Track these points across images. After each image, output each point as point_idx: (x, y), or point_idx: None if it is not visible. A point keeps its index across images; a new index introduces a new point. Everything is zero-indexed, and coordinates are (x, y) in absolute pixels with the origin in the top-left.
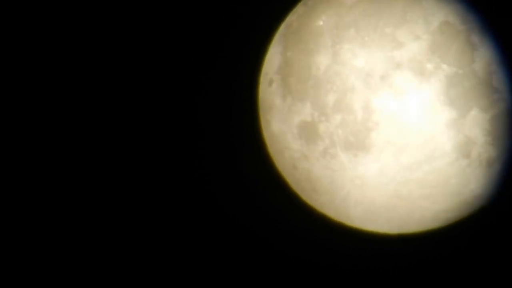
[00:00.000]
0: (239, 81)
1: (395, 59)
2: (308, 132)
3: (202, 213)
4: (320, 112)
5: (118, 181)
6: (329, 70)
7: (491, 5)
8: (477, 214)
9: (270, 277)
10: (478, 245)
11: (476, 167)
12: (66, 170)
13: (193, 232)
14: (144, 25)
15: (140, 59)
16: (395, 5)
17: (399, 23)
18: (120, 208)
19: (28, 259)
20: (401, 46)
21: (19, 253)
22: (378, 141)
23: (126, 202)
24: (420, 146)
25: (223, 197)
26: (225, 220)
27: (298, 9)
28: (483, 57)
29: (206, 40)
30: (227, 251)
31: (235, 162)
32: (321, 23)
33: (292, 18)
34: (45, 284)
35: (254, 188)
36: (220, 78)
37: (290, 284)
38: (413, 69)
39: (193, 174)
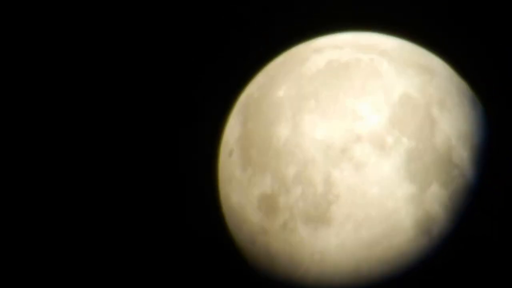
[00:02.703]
0: (199, 152)
1: (355, 132)
2: (268, 204)
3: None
4: (280, 184)
5: None
6: (290, 141)
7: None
8: None
9: None
10: None
11: (436, 244)
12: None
13: None
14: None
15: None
16: (355, 77)
17: (359, 95)
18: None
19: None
20: (361, 118)
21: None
22: (339, 215)
23: None
24: (380, 221)
25: (178, 272)
26: None
27: (259, 79)
28: (443, 132)
29: (168, 109)
30: None
31: (192, 236)
32: (281, 93)
33: (252, 88)
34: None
35: (211, 263)
36: (179, 148)
37: None
38: (373, 142)
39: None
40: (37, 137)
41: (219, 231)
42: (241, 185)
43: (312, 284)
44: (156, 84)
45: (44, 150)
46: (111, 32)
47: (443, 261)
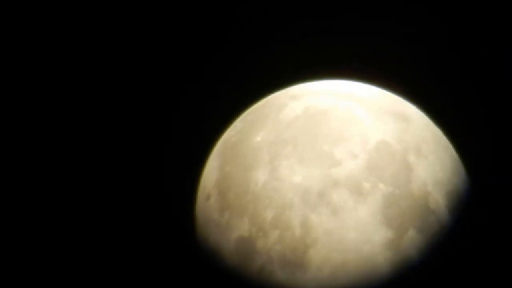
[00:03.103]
0: (176, 196)
1: (332, 177)
2: (245, 248)
3: None
4: (257, 227)
5: None
6: (267, 185)
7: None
8: None
9: None
10: None
11: None
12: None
13: None
14: None
15: None
16: (333, 124)
17: (336, 141)
18: None
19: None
20: (338, 164)
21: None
22: (316, 259)
23: None
24: (357, 266)
25: None
26: None
27: (237, 124)
28: (419, 178)
29: (143, 154)
30: None
31: (171, 279)
32: (259, 138)
33: (230, 133)
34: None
35: None
36: (156, 192)
37: None
38: (350, 187)
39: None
40: (29, 137)
41: (197, 275)
42: (219, 228)
43: None
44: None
45: (44, 150)
46: (106, 32)
47: None
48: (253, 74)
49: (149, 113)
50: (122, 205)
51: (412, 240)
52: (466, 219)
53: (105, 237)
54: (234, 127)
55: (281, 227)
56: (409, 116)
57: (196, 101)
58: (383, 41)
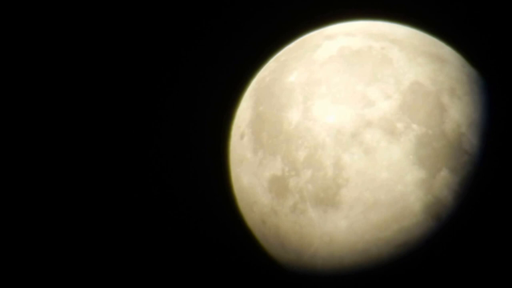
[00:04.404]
0: (211, 134)
1: (365, 117)
2: (278, 186)
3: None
4: (290, 167)
5: None
6: (300, 125)
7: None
8: (445, 276)
9: None
10: None
11: (445, 229)
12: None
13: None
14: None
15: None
16: (366, 64)
17: (370, 82)
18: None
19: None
20: (372, 104)
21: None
22: (348, 198)
23: None
24: (389, 205)
25: (191, 252)
26: (192, 275)
27: (270, 65)
28: (453, 119)
29: (178, 92)
30: None
31: (204, 215)
32: (293, 79)
33: (264, 73)
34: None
35: (222, 242)
36: (192, 130)
37: None
38: (383, 127)
39: (163, 229)
40: (29, 137)
41: (231, 211)
42: (252, 166)
43: (321, 265)
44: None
45: (47, 150)
46: (107, 25)
47: (451, 245)
48: (287, 14)
49: (183, 53)
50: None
51: (445, 180)
52: (500, 161)
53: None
54: (267, 67)
55: (313, 167)
56: (443, 57)
57: (230, 41)
58: None
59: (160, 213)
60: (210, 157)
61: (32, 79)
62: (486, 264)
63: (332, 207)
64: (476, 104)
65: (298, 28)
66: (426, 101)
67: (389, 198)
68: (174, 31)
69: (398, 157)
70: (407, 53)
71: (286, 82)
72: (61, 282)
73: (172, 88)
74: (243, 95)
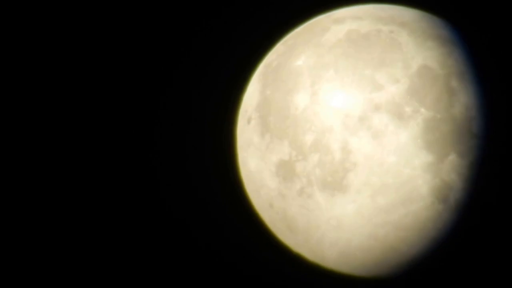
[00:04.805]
0: (217, 118)
1: (373, 101)
2: (286, 170)
3: (177, 250)
4: (298, 151)
5: None
6: (308, 109)
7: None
8: (452, 260)
9: None
10: None
11: (452, 212)
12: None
13: (168, 268)
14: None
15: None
16: (374, 48)
17: (378, 66)
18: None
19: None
20: (380, 88)
21: None
22: (356, 182)
23: None
24: (397, 189)
25: (198, 234)
26: (200, 258)
27: (278, 48)
28: (461, 103)
29: (185, 75)
30: None
31: (211, 199)
32: (300, 63)
33: (271, 57)
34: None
35: (229, 226)
36: (198, 114)
37: None
38: (391, 111)
39: (169, 212)
40: (29, 137)
41: (238, 195)
42: (259, 150)
43: (328, 248)
44: (173, 50)
45: (47, 150)
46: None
47: (458, 228)
48: None
49: (191, 37)
50: (168, 125)
51: (452, 164)
52: (508, 144)
53: (149, 162)
54: (275, 50)
55: (321, 151)
56: (453, 41)
57: (238, 25)
58: None
59: (167, 197)
60: (217, 142)
61: (32, 79)
62: (494, 249)
63: (340, 191)
64: (486, 88)
65: (306, 12)
66: (434, 85)
67: (396, 182)
68: (181, 15)
69: (405, 141)
70: (416, 37)
71: (294, 66)
72: (61, 282)
73: (180, 73)
74: (250, 79)
